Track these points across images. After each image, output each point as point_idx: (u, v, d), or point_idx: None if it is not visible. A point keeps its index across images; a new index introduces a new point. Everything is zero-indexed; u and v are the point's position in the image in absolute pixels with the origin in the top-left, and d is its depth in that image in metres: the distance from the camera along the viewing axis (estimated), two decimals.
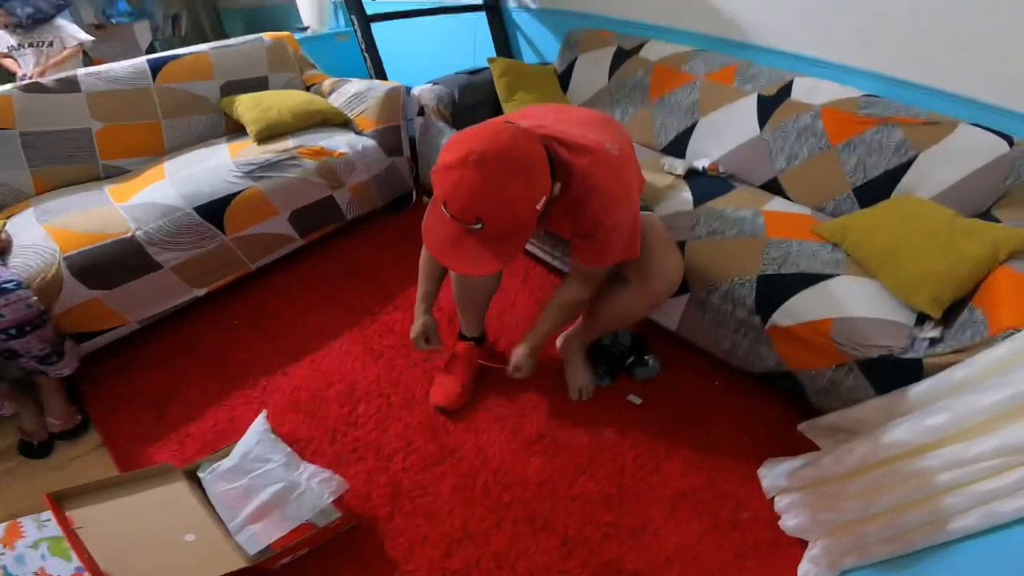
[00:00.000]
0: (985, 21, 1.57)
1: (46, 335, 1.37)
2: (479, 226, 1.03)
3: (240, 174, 1.85)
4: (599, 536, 1.30)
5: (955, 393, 1.06)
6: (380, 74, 2.55)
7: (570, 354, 1.63)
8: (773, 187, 1.92)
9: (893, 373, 1.23)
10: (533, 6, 2.77)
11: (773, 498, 1.35)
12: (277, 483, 1.26)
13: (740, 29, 2.11)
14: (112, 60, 2.08)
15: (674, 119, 2.14)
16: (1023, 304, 1.17)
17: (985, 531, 0.90)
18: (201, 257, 1.75)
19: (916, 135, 1.64)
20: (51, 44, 2.78)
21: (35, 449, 1.46)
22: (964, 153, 1.58)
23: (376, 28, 2.48)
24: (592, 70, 2.40)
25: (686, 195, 1.84)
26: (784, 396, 1.58)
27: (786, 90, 1.89)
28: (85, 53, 3.02)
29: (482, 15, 2.85)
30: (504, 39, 2.90)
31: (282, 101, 2.16)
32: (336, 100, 2.36)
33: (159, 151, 2.08)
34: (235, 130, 2.21)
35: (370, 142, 2.19)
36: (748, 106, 1.95)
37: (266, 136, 2.05)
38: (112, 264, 1.55)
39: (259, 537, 1.18)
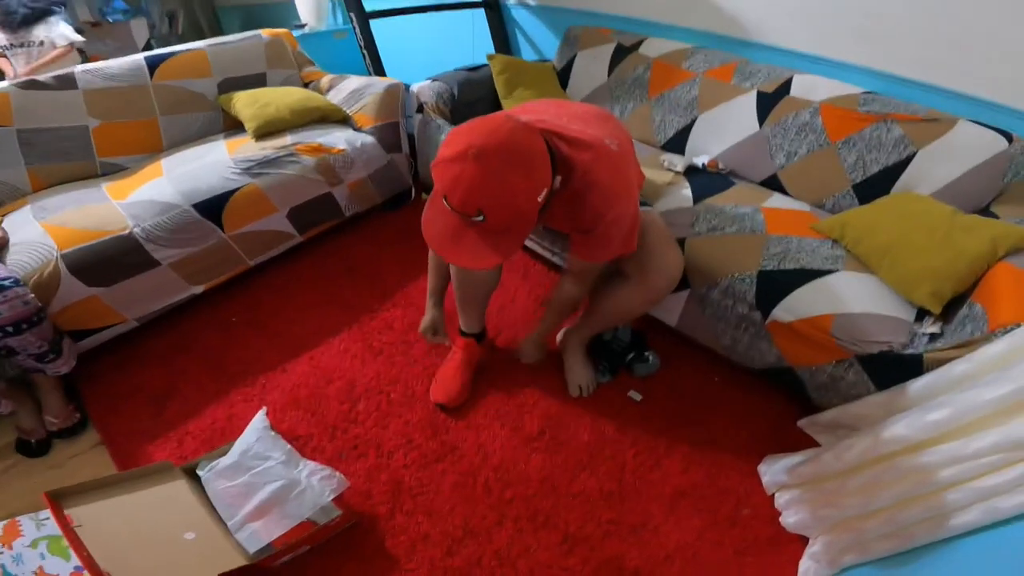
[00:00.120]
0: (984, 18, 1.57)
1: (43, 332, 1.36)
2: (480, 218, 1.03)
3: (238, 171, 1.84)
4: (600, 533, 1.30)
5: (955, 388, 1.06)
6: (379, 71, 2.54)
7: (570, 350, 1.63)
8: (773, 184, 1.92)
9: (893, 369, 1.23)
10: (532, 3, 2.76)
11: (773, 494, 1.35)
12: (277, 481, 1.26)
13: (740, 26, 2.11)
14: (109, 58, 2.07)
15: (674, 116, 2.14)
16: (1023, 299, 1.17)
17: (985, 527, 0.90)
18: (199, 254, 1.74)
19: (915, 132, 1.64)
20: (41, 44, 2.77)
21: (33, 447, 1.46)
22: (963, 150, 1.58)
23: (375, 25, 2.47)
24: (591, 67, 2.40)
25: (686, 192, 1.83)
26: (784, 392, 1.58)
27: (785, 87, 1.89)
28: (81, 51, 3.00)
29: (481, 12, 2.84)
30: (503, 36, 2.89)
31: (280, 98, 2.15)
32: (335, 97, 2.36)
33: (157, 148, 2.08)
34: (233, 127, 2.20)
35: (369, 139, 2.18)
36: (748, 103, 1.95)
37: (264, 133, 2.04)
38: (110, 261, 1.54)
39: (259, 535, 1.17)
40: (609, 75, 2.34)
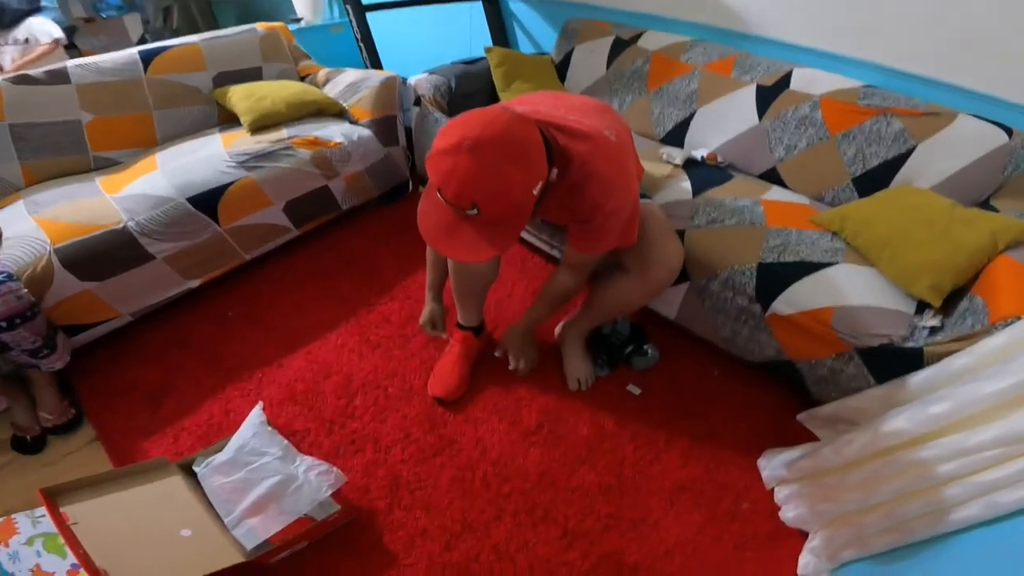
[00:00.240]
0: (985, 13, 1.56)
1: (37, 327, 1.35)
2: (475, 211, 1.02)
3: (234, 164, 1.83)
4: (599, 528, 1.30)
5: (955, 382, 1.06)
6: (376, 64, 2.52)
7: (569, 343, 1.63)
8: (772, 177, 1.91)
9: (893, 362, 1.23)
10: None
11: (773, 489, 1.35)
12: (274, 476, 1.25)
13: (739, 20, 2.10)
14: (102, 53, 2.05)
15: (672, 109, 2.13)
16: (1023, 293, 1.16)
17: (986, 522, 0.90)
18: (194, 248, 1.73)
19: (915, 126, 1.63)
20: (27, 41, 2.76)
21: (28, 444, 1.45)
22: (963, 144, 1.58)
23: (371, 17, 2.46)
24: (590, 60, 2.38)
25: (685, 184, 1.82)
26: (784, 385, 1.58)
27: (785, 80, 1.88)
28: (75, 47, 2.99)
29: (478, 4, 2.82)
30: (501, 28, 2.87)
31: (276, 91, 2.13)
32: (331, 90, 2.34)
33: (151, 142, 2.06)
34: (228, 121, 2.18)
35: (366, 132, 2.16)
36: (747, 96, 1.94)
37: (260, 126, 2.03)
38: (103, 255, 1.53)
39: (256, 531, 1.16)
40: (608, 68, 2.32)
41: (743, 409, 1.58)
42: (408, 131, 2.34)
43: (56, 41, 2.79)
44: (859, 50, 1.85)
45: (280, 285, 1.99)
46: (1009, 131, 1.53)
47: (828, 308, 1.34)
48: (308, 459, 1.32)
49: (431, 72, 2.27)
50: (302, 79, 2.46)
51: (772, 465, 1.35)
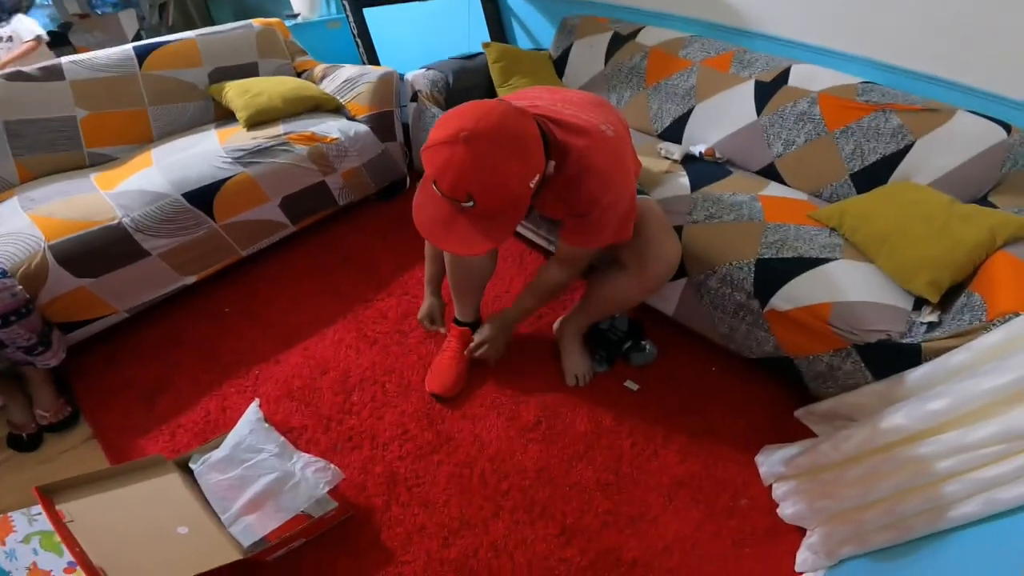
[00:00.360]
0: (983, 9, 1.56)
1: (32, 325, 1.34)
2: (470, 204, 1.01)
3: (230, 160, 1.82)
4: (597, 524, 1.30)
5: (953, 378, 1.06)
6: (373, 60, 2.51)
7: (567, 339, 1.62)
8: (770, 173, 1.91)
9: (891, 358, 1.23)
10: None
11: (771, 485, 1.35)
12: (271, 473, 1.24)
13: (738, 15, 2.09)
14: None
15: (671, 104, 2.12)
16: (1021, 289, 1.16)
17: (985, 519, 0.90)
18: (190, 244, 1.72)
19: (913, 122, 1.63)
20: (10, 39, 2.76)
21: (24, 442, 1.44)
22: (961, 140, 1.57)
23: (368, 13, 2.44)
24: (588, 55, 2.37)
25: (683, 180, 1.82)
26: (781, 381, 1.58)
27: (784, 76, 1.88)
28: (70, 43, 2.98)
29: (476, 0, 2.81)
30: (499, 24, 2.86)
31: (273, 87, 2.12)
32: (328, 86, 2.33)
33: (146, 138, 2.04)
34: (224, 117, 2.17)
35: (363, 127, 2.15)
36: (745, 92, 1.94)
37: (256, 122, 2.02)
38: (98, 252, 1.52)
39: (253, 528, 1.16)
40: (606, 64, 2.32)
41: (741, 405, 1.58)
42: (405, 127, 2.33)
43: (38, 38, 2.79)
44: (857, 46, 1.85)
45: (277, 281, 1.98)
46: (1007, 127, 1.53)
47: (826, 304, 1.34)
48: (305, 456, 1.31)
49: (428, 68, 2.26)
50: (299, 75, 2.44)
51: (770, 461, 1.35)
